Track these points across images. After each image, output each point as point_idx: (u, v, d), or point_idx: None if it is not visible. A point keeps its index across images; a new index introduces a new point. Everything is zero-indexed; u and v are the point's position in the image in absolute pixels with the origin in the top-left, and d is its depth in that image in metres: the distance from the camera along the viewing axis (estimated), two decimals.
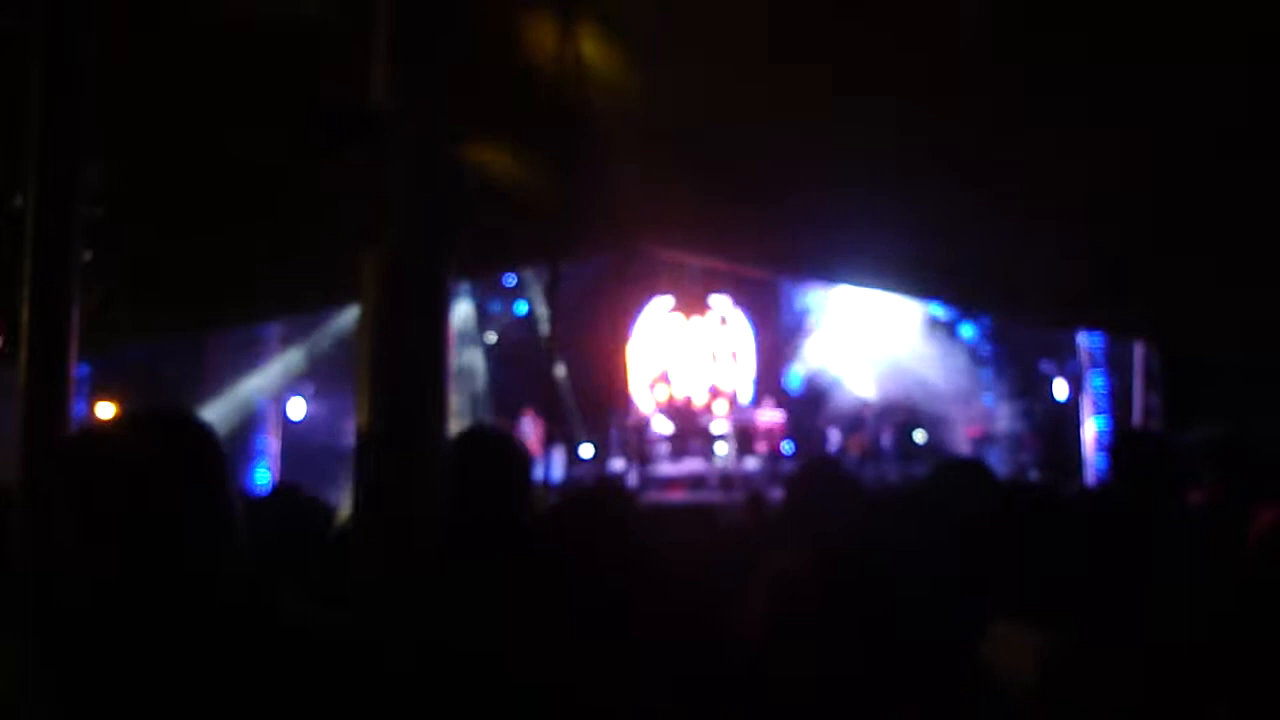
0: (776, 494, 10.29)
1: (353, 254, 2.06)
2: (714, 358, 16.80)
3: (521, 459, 2.58)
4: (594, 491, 3.94)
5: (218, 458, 1.49)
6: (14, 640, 1.52)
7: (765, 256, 9.28)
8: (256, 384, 13.92)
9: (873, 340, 15.15)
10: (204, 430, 1.51)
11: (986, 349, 14.05)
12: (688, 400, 16.62)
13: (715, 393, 16.54)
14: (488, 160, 5.31)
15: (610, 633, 2.09)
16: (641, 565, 2.61)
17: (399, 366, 2.01)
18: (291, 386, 14.98)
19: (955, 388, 14.37)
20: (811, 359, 15.88)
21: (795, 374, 16.22)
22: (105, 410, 11.46)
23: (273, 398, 14.30)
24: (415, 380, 2.01)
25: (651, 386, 16.97)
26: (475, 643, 1.97)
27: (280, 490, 3.68)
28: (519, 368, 16.13)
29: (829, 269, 9.26)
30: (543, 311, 15.61)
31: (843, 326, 15.49)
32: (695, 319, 17.04)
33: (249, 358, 14.10)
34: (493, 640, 2.00)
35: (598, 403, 16.47)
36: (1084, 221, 5.26)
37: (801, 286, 15.37)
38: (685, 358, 16.96)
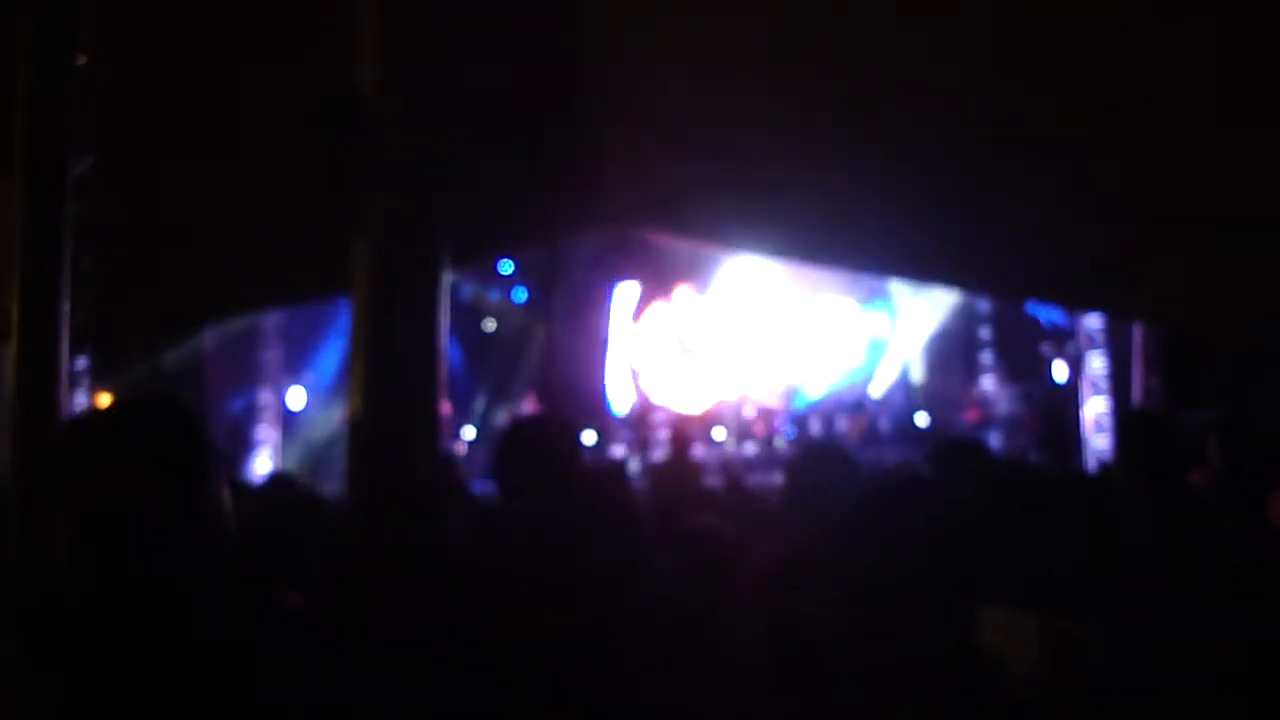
0: (778, 479, 10.26)
1: (344, 241, 2.03)
2: (718, 343, 16.71)
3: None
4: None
5: (201, 445, 1.47)
6: (9, 637, 1.50)
7: (763, 239, 9.24)
8: None
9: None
10: (188, 417, 1.49)
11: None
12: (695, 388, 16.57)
13: (718, 379, 16.47)
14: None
15: (605, 616, 2.08)
16: (642, 547, 2.60)
17: (391, 354, 1.99)
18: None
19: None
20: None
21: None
22: (105, 402, 11.43)
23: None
24: (408, 368, 1.99)
25: (651, 374, 16.92)
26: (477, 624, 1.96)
27: (274, 480, 3.66)
28: (519, 354, 16.10)
29: (828, 252, 9.22)
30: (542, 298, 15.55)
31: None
32: (700, 305, 16.96)
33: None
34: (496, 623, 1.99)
35: (598, 389, 16.44)
36: (1083, 200, 5.24)
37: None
38: (688, 343, 16.88)
